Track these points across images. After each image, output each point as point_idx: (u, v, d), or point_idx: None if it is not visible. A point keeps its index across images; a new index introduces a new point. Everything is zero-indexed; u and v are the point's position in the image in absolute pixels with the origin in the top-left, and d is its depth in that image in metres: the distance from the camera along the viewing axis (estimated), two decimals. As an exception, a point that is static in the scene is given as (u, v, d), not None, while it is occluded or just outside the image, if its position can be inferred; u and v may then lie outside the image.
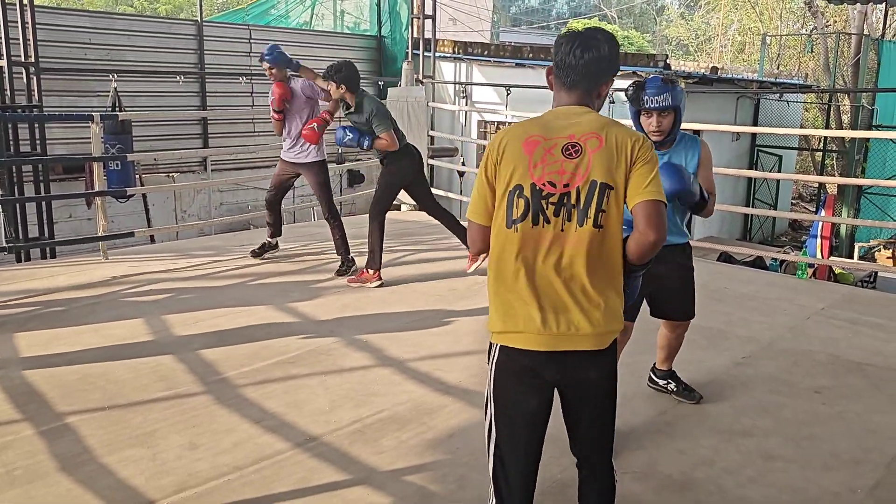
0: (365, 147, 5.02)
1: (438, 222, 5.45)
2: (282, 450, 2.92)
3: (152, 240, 7.65)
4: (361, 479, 2.74)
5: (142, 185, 8.45)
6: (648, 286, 3.03)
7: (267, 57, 5.30)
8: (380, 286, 5.16)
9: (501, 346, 1.95)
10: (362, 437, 3.04)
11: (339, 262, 5.50)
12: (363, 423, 3.16)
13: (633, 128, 3.00)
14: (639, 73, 10.80)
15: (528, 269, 1.89)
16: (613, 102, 9.77)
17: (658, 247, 1.91)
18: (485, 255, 2.04)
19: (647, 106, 2.91)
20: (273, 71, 5.33)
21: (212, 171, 10.40)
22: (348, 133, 5.04)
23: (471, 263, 5.22)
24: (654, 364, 3.48)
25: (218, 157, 10.41)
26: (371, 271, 5.18)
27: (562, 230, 1.87)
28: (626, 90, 3.01)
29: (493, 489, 2.02)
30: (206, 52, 10.26)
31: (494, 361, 1.97)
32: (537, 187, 1.87)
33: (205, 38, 10.25)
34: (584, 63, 1.94)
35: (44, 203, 7.09)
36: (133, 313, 4.49)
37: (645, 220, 1.87)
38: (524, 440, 1.98)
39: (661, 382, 3.46)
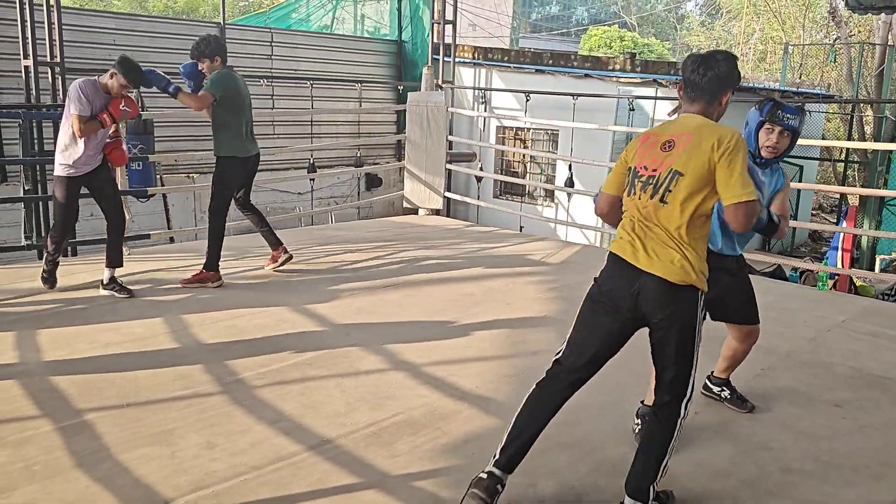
0: (170, 92, 4.84)
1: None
2: (298, 451, 2.93)
3: (171, 240, 7.72)
4: (375, 482, 2.74)
5: (162, 185, 8.52)
6: (712, 291, 3.06)
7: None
8: (219, 286, 5.10)
9: (610, 252, 2.55)
10: (377, 440, 3.05)
11: (44, 258, 4.97)
12: (378, 426, 3.17)
13: (748, 140, 3.09)
14: (659, 80, 10.76)
15: (629, 223, 2.51)
16: (633, 110, 9.74)
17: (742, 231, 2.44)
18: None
19: (778, 119, 3.05)
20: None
21: (231, 172, 10.46)
22: (157, 72, 4.83)
23: (269, 263, 5.60)
24: (712, 372, 3.51)
25: (237, 159, 10.44)
26: (210, 271, 5.07)
27: (645, 200, 2.44)
28: (758, 102, 3.15)
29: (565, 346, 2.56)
30: (227, 54, 10.34)
31: (604, 268, 2.56)
32: (636, 169, 2.49)
33: (227, 40, 10.33)
34: (707, 81, 2.44)
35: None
36: (152, 312, 4.53)
37: (732, 220, 2.37)
38: (592, 339, 2.51)
39: (716, 389, 3.49)
